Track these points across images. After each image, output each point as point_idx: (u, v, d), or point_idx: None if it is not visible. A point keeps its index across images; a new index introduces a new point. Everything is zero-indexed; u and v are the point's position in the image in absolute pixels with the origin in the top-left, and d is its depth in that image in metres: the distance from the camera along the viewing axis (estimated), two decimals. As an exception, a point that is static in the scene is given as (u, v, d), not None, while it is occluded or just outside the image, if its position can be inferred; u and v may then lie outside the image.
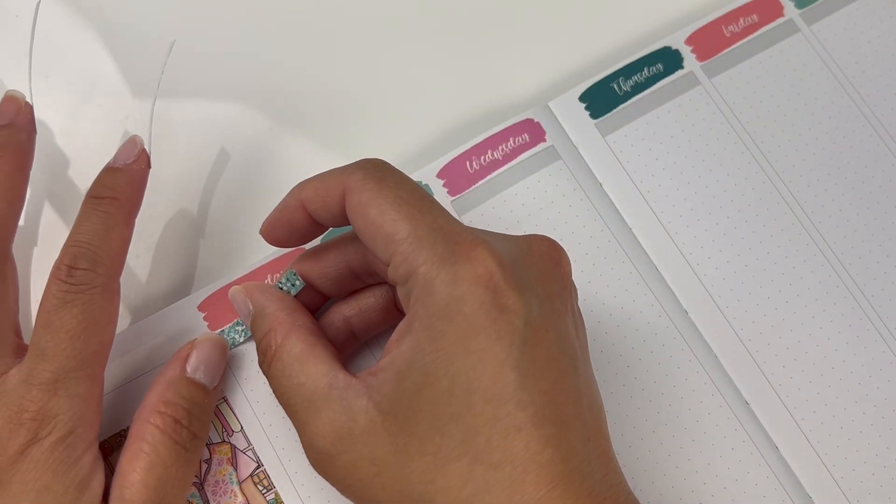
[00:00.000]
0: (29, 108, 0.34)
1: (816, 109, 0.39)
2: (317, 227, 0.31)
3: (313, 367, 0.28)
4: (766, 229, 0.37)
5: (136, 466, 0.29)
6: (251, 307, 0.31)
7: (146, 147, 0.33)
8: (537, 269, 0.27)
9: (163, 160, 0.38)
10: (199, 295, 0.34)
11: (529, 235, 0.29)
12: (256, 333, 0.30)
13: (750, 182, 0.37)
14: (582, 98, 0.38)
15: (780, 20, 0.40)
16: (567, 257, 0.29)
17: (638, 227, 0.36)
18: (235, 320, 0.34)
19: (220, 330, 0.34)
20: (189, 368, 0.31)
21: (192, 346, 0.32)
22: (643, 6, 0.41)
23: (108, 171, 0.32)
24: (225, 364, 0.32)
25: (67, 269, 0.29)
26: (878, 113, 0.39)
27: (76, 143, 0.38)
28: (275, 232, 0.31)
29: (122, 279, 0.36)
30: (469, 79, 0.40)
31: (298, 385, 0.28)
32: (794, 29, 0.40)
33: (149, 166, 0.32)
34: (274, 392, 0.29)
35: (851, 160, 0.39)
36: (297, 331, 0.29)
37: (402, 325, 0.27)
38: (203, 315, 0.34)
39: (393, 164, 0.35)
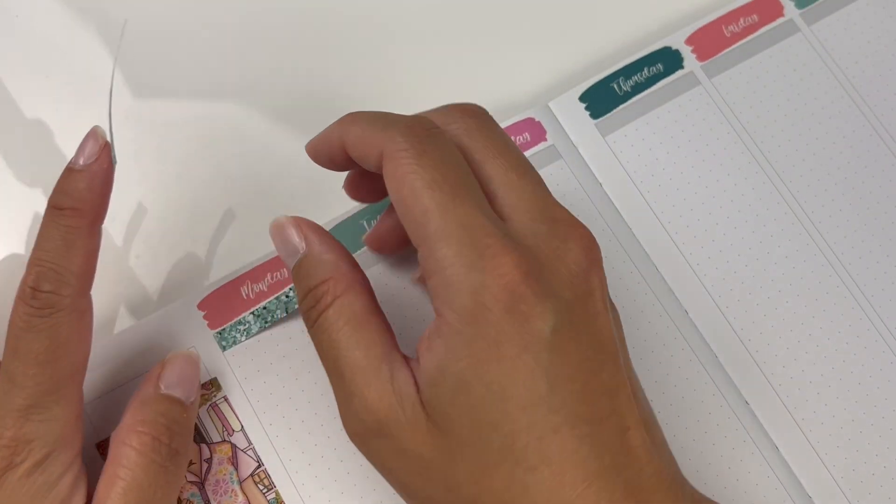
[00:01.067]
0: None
1: (816, 109, 0.39)
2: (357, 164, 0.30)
3: (369, 332, 0.27)
4: (766, 229, 0.37)
5: (111, 493, 0.28)
6: (304, 247, 0.29)
7: (109, 139, 0.30)
8: (568, 271, 0.27)
9: (163, 160, 0.38)
10: (199, 294, 0.34)
11: (569, 228, 0.27)
12: (307, 278, 0.28)
13: (750, 182, 0.37)
14: (582, 98, 0.38)
15: (780, 20, 0.40)
16: (600, 254, 0.28)
17: (638, 227, 0.36)
18: (236, 319, 0.34)
19: (220, 329, 0.34)
20: (163, 385, 0.30)
21: (163, 364, 0.31)
22: (643, 6, 0.41)
23: (68, 174, 0.30)
24: (199, 378, 0.31)
25: (31, 292, 0.28)
26: (878, 113, 0.39)
27: (76, 143, 0.37)
28: (317, 156, 0.31)
29: (120, 279, 0.36)
30: (469, 78, 0.40)
31: (351, 346, 0.27)
32: (794, 29, 0.40)
33: (112, 163, 0.30)
34: (318, 348, 0.28)
35: (851, 160, 0.39)
36: (358, 287, 0.28)
37: (431, 327, 0.27)
38: (203, 314, 0.34)
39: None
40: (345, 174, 0.33)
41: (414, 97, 0.39)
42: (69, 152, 0.37)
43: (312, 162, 0.39)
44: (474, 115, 0.29)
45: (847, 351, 0.36)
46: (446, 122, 0.29)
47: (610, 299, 0.29)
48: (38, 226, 0.36)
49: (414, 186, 0.26)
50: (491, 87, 0.40)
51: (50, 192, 0.37)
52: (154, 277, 0.36)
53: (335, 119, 0.39)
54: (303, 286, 0.28)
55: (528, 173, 0.28)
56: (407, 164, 0.26)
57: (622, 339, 0.29)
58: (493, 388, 0.25)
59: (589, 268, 0.27)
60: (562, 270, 0.27)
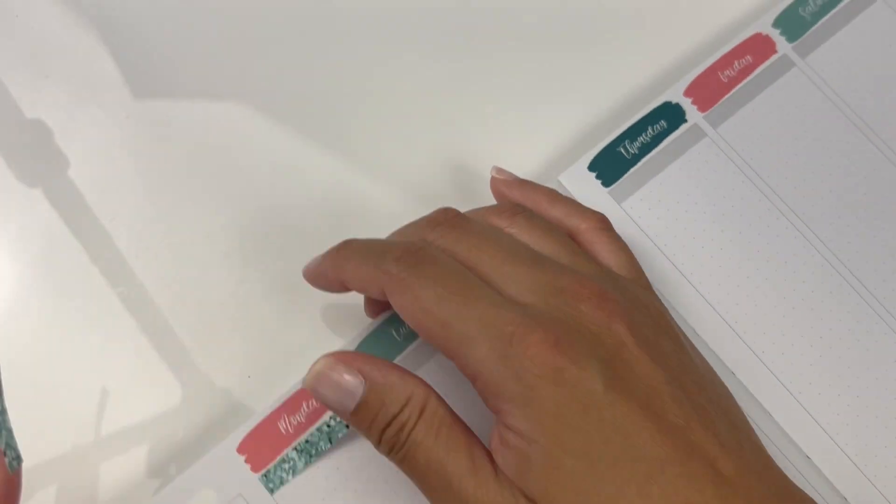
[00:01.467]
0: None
1: (825, 143, 0.38)
2: None
3: (461, 434, 0.27)
4: (798, 275, 0.36)
5: None
6: (363, 382, 0.28)
7: (6, 438, 0.26)
8: (591, 332, 0.27)
9: (162, 160, 0.38)
10: (236, 437, 0.33)
11: (576, 292, 0.28)
12: (384, 409, 0.28)
13: (773, 229, 0.37)
14: (591, 167, 0.37)
15: (774, 57, 0.39)
16: (615, 303, 0.28)
17: (669, 292, 0.36)
18: (280, 457, 0.32)
19: (264, 471, 0.32)
20: None
21: None
22: (634, 60, 0.41)
23: None
24: None
25: None
26: (884, 137, 0.39)
27: (76, 143, 0.38)
28: (315, 284, 0.32)
29: (120, 279, 0.36)
30: (474, 159, 0.39)
31: (451, 452, 0.27)
32: (789, 64, 0.39)
33: (12, 469, 0.26)
34: (412, 469, 0.28)
35: (868, 191, 0.38)
36: (433, 393, 0.28)
37: (495, 429, 0.27)
38: (244, 458, 0.32)
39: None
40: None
41: (414, 178, 0.38)
42: (69, 152, 0.38)
43: (317, 171, 0.38)
44: (449, 226, 0.30)
45: (869, 359, 0.35)
46: (427, 239, 0.30)
47: (664, 321, 0.30)
48: (36, 226, 0.37)
49: (424, 307, 0.27)
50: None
51: (50, 191, 0.36)
52: (154, 278, 0.36)
53: (336, 119, 0.40)
54: (381, 418, 0.28)
55: (517, 257, 0.29)
56: (407, 289, 0.28)
57: (684, 360, 0.29)
58: (578, 455, 0.26)
59: (609, 321, 0.28)
60: (585, 334, 0.27)
